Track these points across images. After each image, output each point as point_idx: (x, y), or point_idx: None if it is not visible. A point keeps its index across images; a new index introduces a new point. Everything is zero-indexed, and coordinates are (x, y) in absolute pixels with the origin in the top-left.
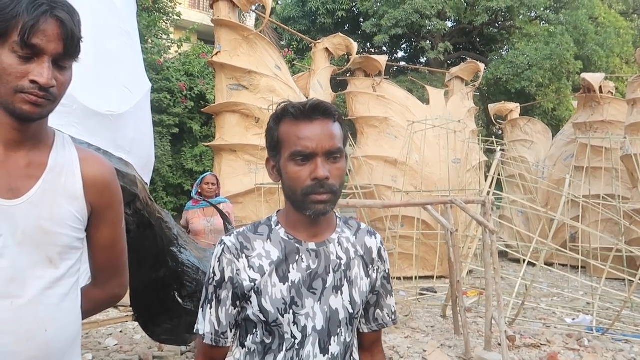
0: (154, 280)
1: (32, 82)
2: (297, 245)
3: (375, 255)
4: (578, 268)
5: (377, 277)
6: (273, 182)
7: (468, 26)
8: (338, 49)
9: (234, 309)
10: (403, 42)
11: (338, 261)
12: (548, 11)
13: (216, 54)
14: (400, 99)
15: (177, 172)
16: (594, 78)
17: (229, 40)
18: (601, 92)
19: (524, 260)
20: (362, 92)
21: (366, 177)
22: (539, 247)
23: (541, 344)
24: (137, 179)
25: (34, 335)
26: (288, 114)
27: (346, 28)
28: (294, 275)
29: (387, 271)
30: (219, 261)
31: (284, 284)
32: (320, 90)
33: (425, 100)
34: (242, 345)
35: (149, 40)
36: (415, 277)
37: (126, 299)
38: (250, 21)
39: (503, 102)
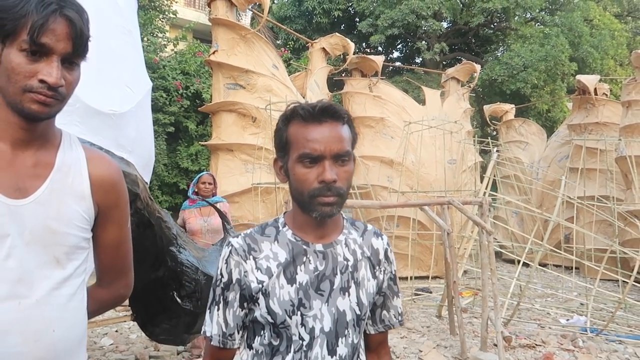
0: (153, 280)
1: (41, 81)
2: (304, 246)
3: (381, 256)
4: (572, 269)
5: (383, 278)
6: (269, 182)
7: (464, 27)
8: (335, 49)
9: (242, 310)
10: (399, 42)
11: (345, 262)
12: (543, 13)
13: (213, 52)
14: (397, 100)
15: (172, 171)
16: (589, 80)
17: (227, 39)
18: (596, 94)
19: (519, 261)
20: (358, 92)
21: (362, 177)
22: (534, 247)
23: (536, 345)
24: (139, 178)
25: (42, 336)
26: (297, 115)
27: (342, 28)
28: (302, 276)
29: (393, 272)
30: (226, 263)
31: (292, 286)
32: (317, 90)
33: (421, 100)
34: (250, 347)
35: (145, 39)
36: (411, 278)
37: None
38: (246, 20)
39: (498, 103)
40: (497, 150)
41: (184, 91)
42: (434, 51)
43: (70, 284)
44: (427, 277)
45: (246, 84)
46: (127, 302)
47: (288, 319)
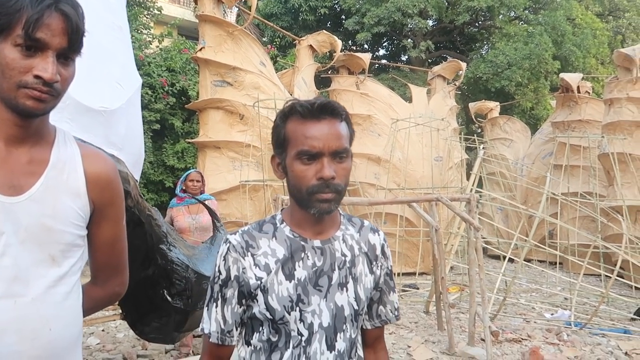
0: (143, 278)
1: (36, 77)
2: (302, 242)
3: (378, 252)
4: (556, 264)
5: (380, 274)
6: (257, 179)
7: (449, 25)
8: (322, 46)
9: (240, 307)
10: (385, 40)
11: (343, 258)
12: (527, 11)
13: (200, 49)
14: (384, 97)
15: (158, 169)
16: (572, 78)
17: (214, 36)
18: (579, 92)
19: (504, 257)
20: (345, 89)
21: (350, 175)
22: (519, 243)
23: (522, 339)
24: (129, 175)
25: (39, 335)
26: (295, 112)
27: (328, 25)
28: (300, 272)
29: (389, 268)
30: (224, 260)
31: (290, 282)
32: (305, 87)
33: (407, 98)
34: (248, 344)
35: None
36: (398, 274)
37: None
38: (231, 17)
39: (483, 100)
40: (483, 148)
41: (170, 88)
42: (420, 49)
43: (66, 282)
44: (414, 274)
45: (233, 81)
46: None
47: (287, 314)
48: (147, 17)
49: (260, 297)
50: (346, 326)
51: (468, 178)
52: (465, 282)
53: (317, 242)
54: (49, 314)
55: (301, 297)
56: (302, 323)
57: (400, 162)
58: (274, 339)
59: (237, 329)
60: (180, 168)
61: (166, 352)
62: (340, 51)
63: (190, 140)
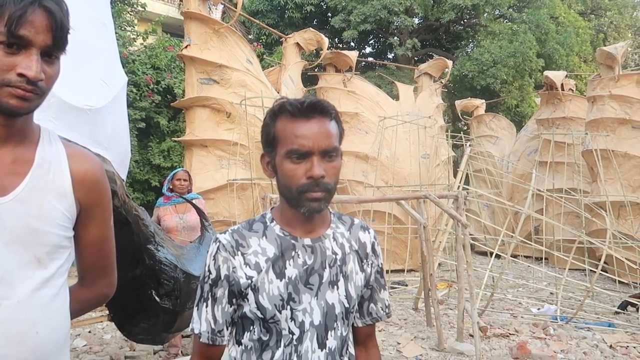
0: (131, 278)
1: (20, 75)
2: (292, 241)
3: (369, 249)
4: (542, 259)
5: (371, 272)
6: (245, 178)
7: (435, 23)
8: (309, 44)
9: (230, 306)
10: (371, 37)
11: (334, 256)
12: (511, 10)
13: (186, 47)
14: (371, 95)
15: (144, 168)
16: (556, 76)
17: (199, 33)
18: (563, 89)
19: (491, 253)
20: (332, 87)
21: (340, 173)
22: (506, 239)
23: (510, 334)
24: (115, 175)
25: (25, 338)
26: (285, 111)
27: (315, 23)
28: (291, 271)
29: (380, 265)
30: (214, 259)
31: (281, 280)
32: (292, 85)
33: (394, 96)
34: (239, 343)
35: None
36: (387, 271)
37: None
38: (216, 14)
39: (469, 98)
40: (470, 145)
41: (155, 86)
42: (406, 47)
43: (53, 284)
44: (402, 271)
45: (220, 79)
46: None
47: (278, 313)
48: (131, 14)
49: (250, 296)
50: (337, 324)
51: (455, 175)
52: (454, 278)
53: (307, 241)
54: (35, 316)
55: (292, 295)
56: (293, 322)
57: (387, 159)
58: (265, 338)
59: (227, 329)
60: (167, 167)
61: (155, 353)
62: (327, 49)
63: (176, 139)
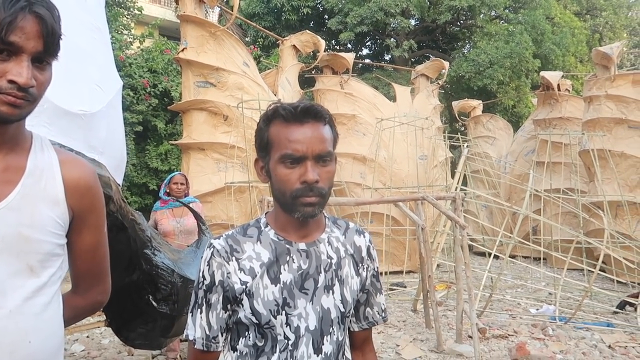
0: (128, 283)
1: (10, 82)
2: (287, 246)
3: (364, 253)
4: (540, 260)
5: (366, 276)
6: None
7: (431, 24)
8: (306, 46)
9: (225, 312)
10: (368, 39)
11: (329, 261)
12: (507, 11)
13: (182, 50)
14: (368, 97)
15: (141, 171)
16: (552, 76)
17: (196, 36)
18: (559, 89)
19: (490, 254)
20: (330, 89)
21: (335, 175)
22: (504, 240)
23: (509, 335)
24: (111, 180)
25: (18, 347)
26: (279, 115)
27: (311, 25)
28: (286, 276)
29: (376, 269)
30: (208, 265)
31: (276, 285)
32: (289, 88)
33: (391, 97)
34: (234, 349)
35: (110, 36)
36: (385, 273)
37: None
38: (213, 17)
39: (466, 99)
40: (467, 146)
41: (152, 89)
42: (403, 48)
43: (45, 292)
44: (401, 272)
45: (217, 81)
46: None
47: (273, 319)
48: (127, 18)
49: (245, 301)
50: (333, 329)
51: (452, 176)
52: (452, 279)
53: (302, 245)
54: (27, 326)
55: (287, 300)
56: (288, 327)
57: (385, 161)
58: (260, 344)
59: (222, 335)
60: (164, 170)
61: (153, 358)
62: (324, 51)
63: (173, 142)
